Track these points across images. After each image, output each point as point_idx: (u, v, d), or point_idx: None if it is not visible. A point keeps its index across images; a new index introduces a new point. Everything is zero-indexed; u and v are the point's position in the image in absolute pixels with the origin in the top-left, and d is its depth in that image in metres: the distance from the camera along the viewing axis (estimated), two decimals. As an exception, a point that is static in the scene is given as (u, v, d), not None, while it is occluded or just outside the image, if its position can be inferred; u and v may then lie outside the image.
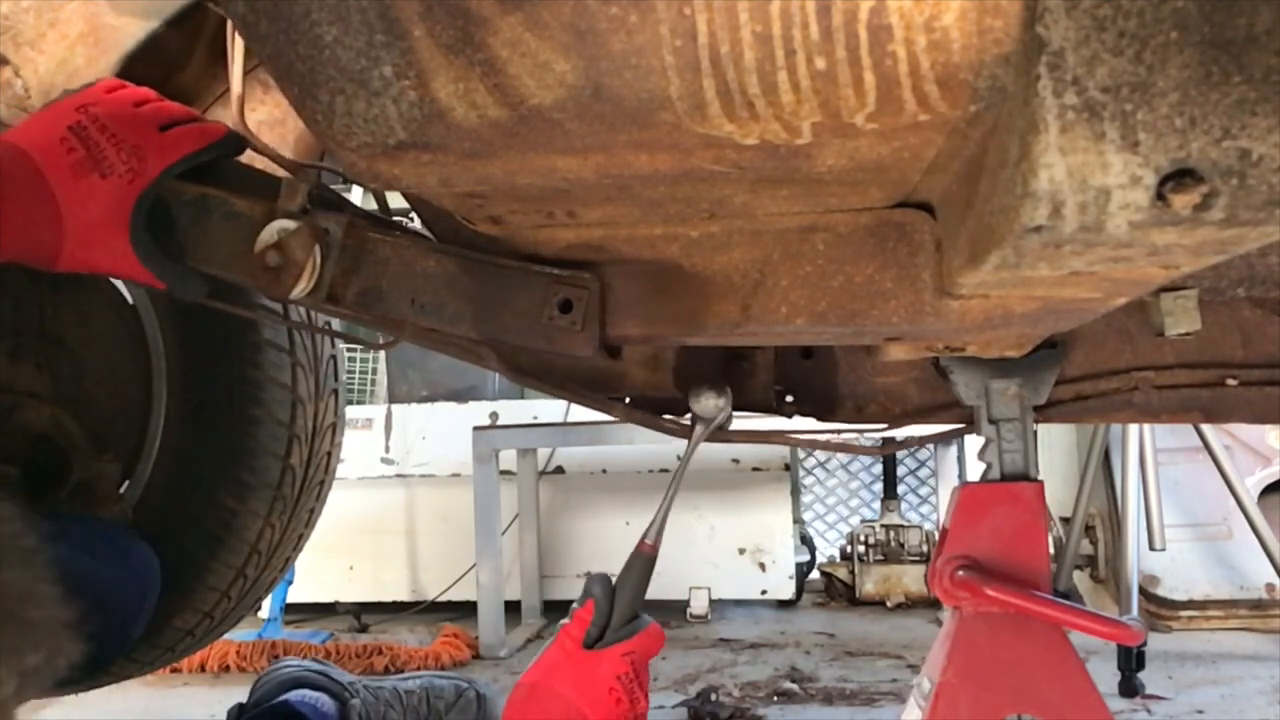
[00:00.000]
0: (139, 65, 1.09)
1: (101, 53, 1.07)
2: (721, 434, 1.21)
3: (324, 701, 1.76)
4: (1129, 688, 2.15)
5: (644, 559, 1.13)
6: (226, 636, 2.38)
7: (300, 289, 0.92)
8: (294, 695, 1.78)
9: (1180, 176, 0.49)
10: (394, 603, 3.49)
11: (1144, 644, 2.13)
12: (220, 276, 0.98)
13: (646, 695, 1.08)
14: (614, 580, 1.13)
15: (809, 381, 1.30)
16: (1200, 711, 2.05)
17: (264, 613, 2.97)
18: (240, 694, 2.43)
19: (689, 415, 1.18)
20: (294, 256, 0.91)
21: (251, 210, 0.96)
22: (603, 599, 1.09)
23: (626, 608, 1.11)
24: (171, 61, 1.11)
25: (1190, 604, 2.78)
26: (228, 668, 2.68)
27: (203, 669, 2.68)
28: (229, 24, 0.91)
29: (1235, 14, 0.47)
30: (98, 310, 1.62)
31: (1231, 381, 1.21)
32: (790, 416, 1.31)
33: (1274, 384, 1.21)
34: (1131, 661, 2.15)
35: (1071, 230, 0.52)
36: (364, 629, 3.32)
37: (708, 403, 1.14)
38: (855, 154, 0.67)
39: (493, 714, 1.94)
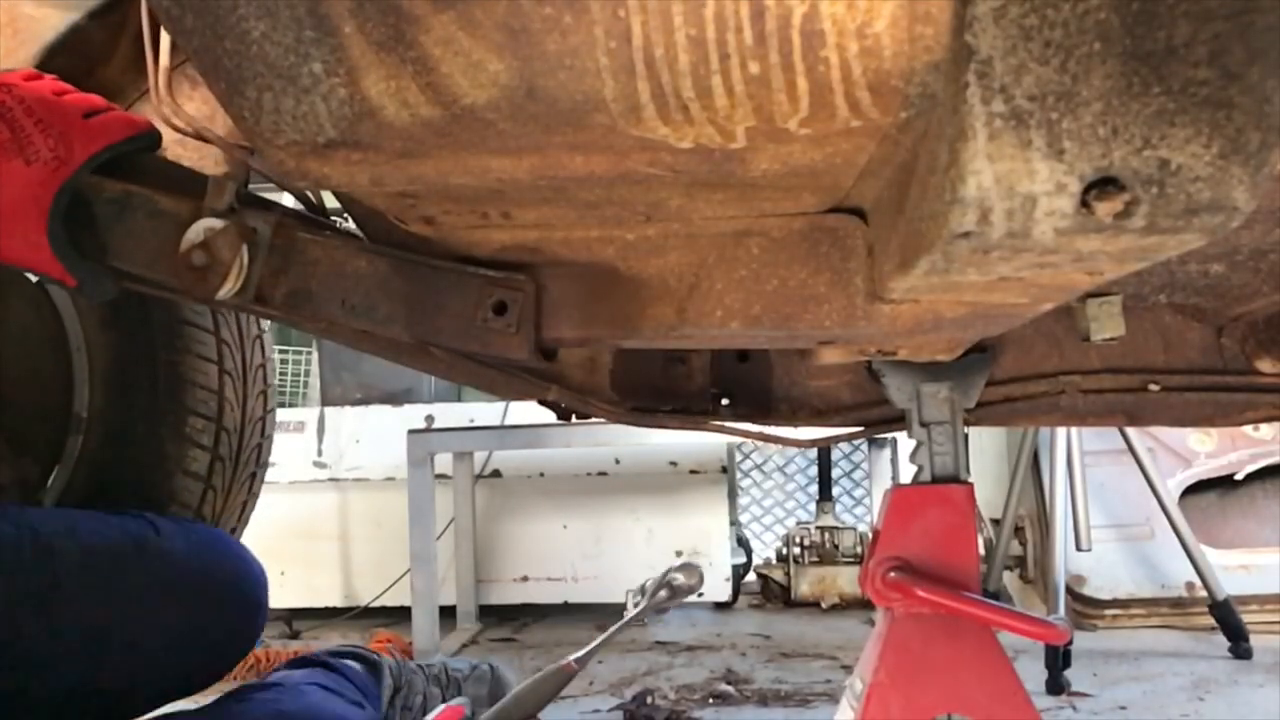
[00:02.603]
0: (60, 58, 1.06)
1: (20, 44, 1.04)
2: (659, 420, 1.22)
3: (357, 665, 1.77)
4: (1055, 685, 2.19)
5: (561, 676, 1.14)
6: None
7: (227, 290, 0.90)
8: (329, 658, 1.77)
9: (1103, 185, 0.50)
10: (326, 608, 3.44)
11: (1070, 642, 2.17)
12: (144, 276, 0.96)
13: None
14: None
15: (745, 384, 1.30)
16: (1123, 708, 2.10)
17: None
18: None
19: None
20: (220, 256, 0.89)
21: (177, 208, 0.94)
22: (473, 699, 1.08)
23: (515, 712, 1.12)
24: (94, 55, 1.08)
25: (1114, 603, 2.85)
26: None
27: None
28: (144, 9, 0.88)
29: (1155, 26, 0.48)
30: (17, 310, 1.57)
31: (1154, 386, 1.25)
32: (726, 420, 1.32)
33: (1194, 389, 1.25)
34: (1058, 660, 2.19)
35: (999, 236, 0.53)
36: (295, 635, 3.27)
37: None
38: (789, 159, 0.67)
39: (506, 685, 1.95)
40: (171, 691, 1.40)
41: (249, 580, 1.46)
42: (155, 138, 0.98)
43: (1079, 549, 2.63)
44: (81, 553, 1.29)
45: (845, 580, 3.34)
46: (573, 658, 1.17)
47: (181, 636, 1.35)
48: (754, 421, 1.29)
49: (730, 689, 2.31)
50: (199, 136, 0.95)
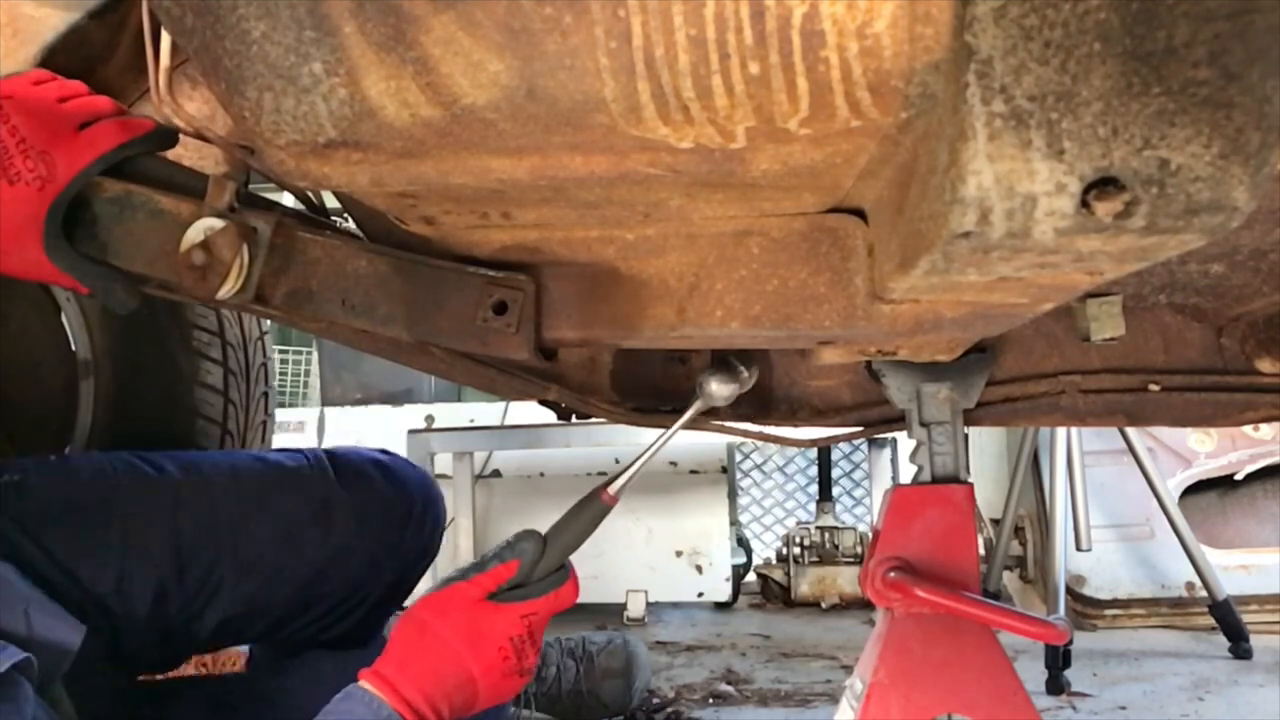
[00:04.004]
0: (60, 58, 1.05)
1: (20, 44, 1.04)
2: (659, 420, 1.22)
3: None
4: (1055, 685, 2.19)
5: (597, 509, 1.08)
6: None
7: (227, 289, 0.90)
8: None
9: (1103, 184, 0.50)
10: (327, 608, 3.43)
11: (1070, 642, 2.17)
12: (145, 276, 0.96)
13: (538, 649, 1.07)
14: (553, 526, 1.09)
15: (745, 384, 1.30)
16: (1123, 708, 2.10)
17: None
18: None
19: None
20: (220, 256, 0.89)
21: (177, 208, 0.94)
22: (528, 566, 1.06)
23: (556, 557, 1.07)
24: (95, 54, 1.08)
25: (1114, 603, 2.84)
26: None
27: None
28: (144, 9, 0.88)
29: (1155, 27, 0.48)
30: (18, 310, 1.58)
31: (1154, 387, 1.25)
32: (726, 420, 1.32)
33: (1194, 389, 1.25)
34: (1058, 660, 2.19)
35: (999, 236, 0.53)
36: (295, 635, 3.26)
37: (719, 389, 1.08)
38: (789, 159, 0.67)
39: (637, 659, 2.04)
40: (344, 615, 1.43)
41: (395, 500, 1.47)
42: (161, 137, 0.98)
43: (1079, 549, 2.63)
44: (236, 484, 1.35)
45: (845, 580, 3.33)
46: (608, 488, 1.08)
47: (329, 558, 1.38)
48: (754, 421, 1.29)
49: (730, 689, 2.31)
50: (199, 136, 0.94)
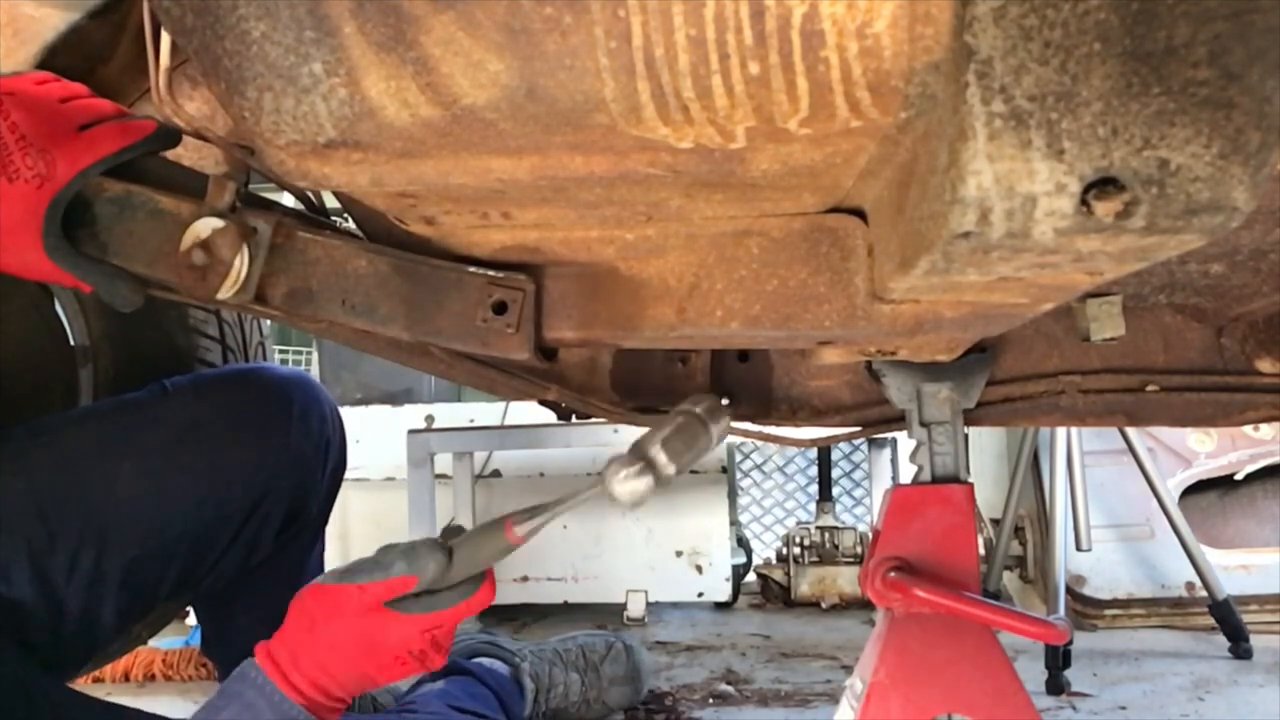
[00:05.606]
0: (60, 57, 1.05)
1: (20, 44, 1.04)
2: (660, 420, 1.21)
3: (499, 666, 1.85)
4: (1055, 685, 2.19)
5: (502, 545, 1.00)
6: (152, 644, 2.32)
7: (227, 289, 0.90)
8: (472, 663, 1.83)
9: (1103, 185, 0.50)
10: (327, 608, 3.43)
11: (1070, 642, 2.17)
12: (145, 276, 0.96)
13: (445, 652, 1.04)
14: (461, 538, 1.03)
15: (745, 384, 1.30)
16: (1123, 708, 2.10)
17: (192, 619, 2.90)
18: (168, 703, 2.36)
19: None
20: (220, 256, 0.89)
21: (177, 208, 0.94)
22: (427, 584, 1.01)
23: (460, 572, 1.01)
24: (95, 54, 1.08)
25: (1114, 603, 2.84)
26: (153, 676, 2.61)
27: (126, 678, 2.61)
28: (145, 9, 0.88)
29: (1155, 27, 0.48)
30: (17, 310, 1.57)
31: (1153, 387, 1.25)
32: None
33: (1194, 389, 1.25)
34: (1058, 660, 2.19)
35: (999, 236, 0.53)
36: (295, 635, 3.26)
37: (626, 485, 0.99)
38: (789, 159, 0.67)
39: (641, 663, 2.07)
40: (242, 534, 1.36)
41: (268, 402, 1.41)
42: (161, 141, 0.98)
43: (1079, 549, 2.63)
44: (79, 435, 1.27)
45: (845, 580, 3.33)
46: (516, 528, 0.98)
47: (202, 478, 1.31)
48: (754, 421, 1.29)
49: (730, 689, 2.31)
50: (199, 136, 0.94)
